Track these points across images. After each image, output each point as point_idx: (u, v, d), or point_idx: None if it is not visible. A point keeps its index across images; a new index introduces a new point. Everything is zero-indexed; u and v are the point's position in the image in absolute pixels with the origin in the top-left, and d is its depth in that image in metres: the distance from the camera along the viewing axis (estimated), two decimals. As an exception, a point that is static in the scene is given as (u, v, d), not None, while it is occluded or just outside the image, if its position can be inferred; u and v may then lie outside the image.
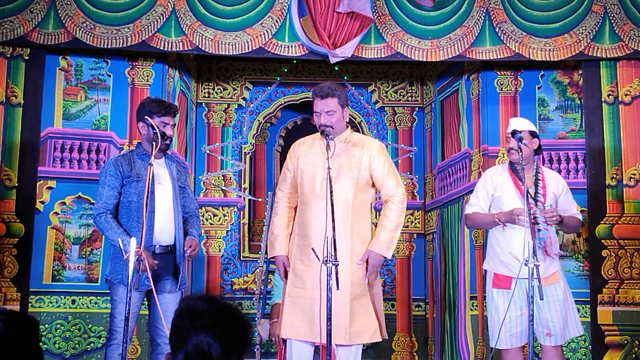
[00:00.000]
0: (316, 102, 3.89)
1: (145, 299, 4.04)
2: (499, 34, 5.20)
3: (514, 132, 4.26)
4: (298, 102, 6.97)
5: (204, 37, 5.09)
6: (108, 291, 4.05)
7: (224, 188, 6.69)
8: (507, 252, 4.04)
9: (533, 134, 4.22)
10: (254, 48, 5.12)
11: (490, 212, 4.24)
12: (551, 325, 4.05)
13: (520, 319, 4.02)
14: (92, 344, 5.05)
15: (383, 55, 5.20)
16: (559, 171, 5.39)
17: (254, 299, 5.82)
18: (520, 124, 4.27)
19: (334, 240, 3.34)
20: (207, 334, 1.78)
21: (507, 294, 4.02)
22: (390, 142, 6.89)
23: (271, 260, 4.19)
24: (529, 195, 3.99)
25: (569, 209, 4.25)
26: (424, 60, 5.24)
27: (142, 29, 5.05)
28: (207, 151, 6.71)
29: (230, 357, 1.81)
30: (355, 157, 3.89)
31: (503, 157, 5.41)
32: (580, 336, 5.11)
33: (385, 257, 3.85)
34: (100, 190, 3.96)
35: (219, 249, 6.62)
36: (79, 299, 5.07)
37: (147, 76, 5.36)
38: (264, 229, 5.80)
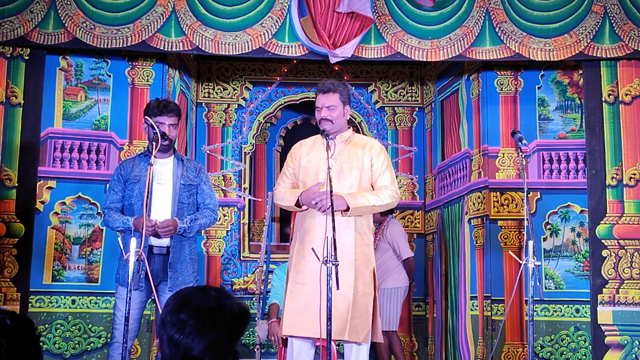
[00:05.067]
0: (318, 97, 3.92)
1: (151, 300, 4.04)
2: (499, 34, 5.20)
3: (514, 132, 4.27)
4: (298, 102, 6.97)
5: (204, 37, 5.09)
6: (108, 291, 4.08)
7: (224, 188, 6.69)
8: None
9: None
10: (254, 48, 5.12)
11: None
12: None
13: None
14: (92, 344, 5.05)
15: (383, 55, 5.20)
16: (559, 171, 5.40)
17: (253, 299, 5.83)
18: None
19: (334, 240, 3.33)
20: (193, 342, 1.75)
21: None
22: (390, 142, 6.89)
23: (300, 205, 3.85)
24: None
25: (400, 251, 5.90)
26: (424, 60, 5.24)
27: (142, 29, 5.05)
28: (207, 151, 6.71)
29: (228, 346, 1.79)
30: (357, 156, 3.90)
31: (503, 157, 5.42)
32: (581, 336, 5.16)
33: (347, 208, 3.72)
34: (106, 194, 4.08)
35: (219, 249, 6.62)
36: (79, 299, 5.07)
37: (147, 76, 5.36)
38: (264, 229, 5.80)
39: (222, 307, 1.78)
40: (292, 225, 4.27)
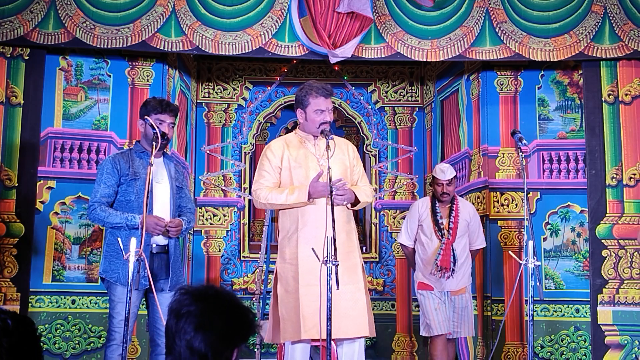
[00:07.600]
0: (320, 100, 3.90)
1: (144, 299, 4.02)
2: (499, 34, 5.20)
3: (514, 132, 4.27)
4: (298, 102, 6.96)
5: (204, 37, 5.09)
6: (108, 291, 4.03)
7: (224, 188, 6.69)
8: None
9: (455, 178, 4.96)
10: (254, 48, 5.12)
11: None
12: (455, 323, 4.88)
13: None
14: (92, 344, 5.05)
15: (383, 55, 5.20)
16: (559, 171, 5.40)
17: (253, 299, 5.83)
18: (449, 172, 4.91)
19: (334, 240, 3.33)
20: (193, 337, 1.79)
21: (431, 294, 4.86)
22: (390, 142, 6.89)
23: (309, 198, 3.79)
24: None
25: (475, 237, 4.97)
26: (424, 60, 5.24)
27: (142, 29, 5.05)
28: (207, 151, 6.71)
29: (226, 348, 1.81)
30: (343, 155, 4.00)
31: (503, 157, 5.42)
32: (581, 336, 5.17)
33: (355, 201, 3.85)
34: (96, 187, 3.91)
35: (219, 249, 6.62)
36: (79, 299, 5.07)
37: (147, 76, 5.36)
38: (264, 229, 5.81)
39: (231, 309, 1.83)
40: (278, 225, 4.15)
